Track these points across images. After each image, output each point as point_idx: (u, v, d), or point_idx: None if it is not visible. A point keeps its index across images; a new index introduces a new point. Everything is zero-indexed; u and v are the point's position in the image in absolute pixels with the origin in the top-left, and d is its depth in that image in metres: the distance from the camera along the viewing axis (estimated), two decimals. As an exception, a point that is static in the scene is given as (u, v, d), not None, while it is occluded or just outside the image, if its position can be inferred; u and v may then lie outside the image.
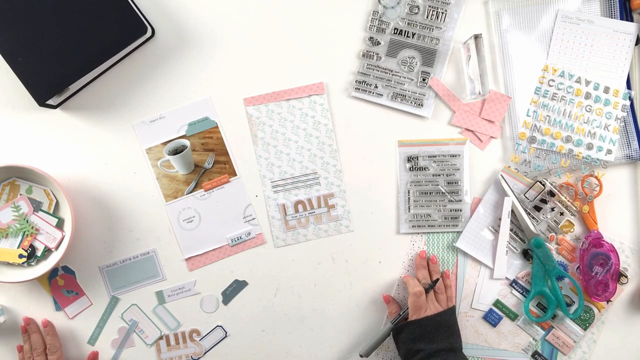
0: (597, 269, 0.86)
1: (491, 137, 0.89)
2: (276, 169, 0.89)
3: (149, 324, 0.90)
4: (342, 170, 0.89)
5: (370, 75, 0.88)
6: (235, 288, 0.90)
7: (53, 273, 0.89)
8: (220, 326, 0.91)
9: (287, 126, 0.89)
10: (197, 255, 0.90)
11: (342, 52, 0.88)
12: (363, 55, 0.88)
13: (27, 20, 0.79)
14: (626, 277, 0.89)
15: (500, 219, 0.87)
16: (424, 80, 0.88)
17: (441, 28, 0.87)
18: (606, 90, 0.87)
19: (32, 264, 0.85)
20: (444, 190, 0.89)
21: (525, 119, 0.87)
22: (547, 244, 0.87)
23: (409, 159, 0.89)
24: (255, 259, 0.90)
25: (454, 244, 0.89)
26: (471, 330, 0.90)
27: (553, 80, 0.87)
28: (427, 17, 0.87)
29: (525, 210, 0.87)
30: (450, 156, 0.89)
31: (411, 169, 0.89)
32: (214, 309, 0.91)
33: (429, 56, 0.88)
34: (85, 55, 0.80)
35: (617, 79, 0.87)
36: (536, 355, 0.90)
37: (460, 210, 0.89)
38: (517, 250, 0.89)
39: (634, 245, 0.89)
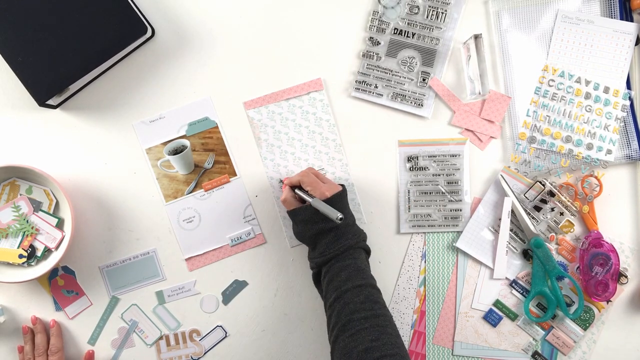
0: (597, 269, 0.86)
1: (491, 137, 0.89)
2: (282, 169, 0.89)
3: (149, 324, 0.90)
4: (348, 164, 0.89)
5: (370, 75, 0.88)
6: (235, 288, 0.90)
7: (53, 273, 0.89)
8: (220, 326, 0.91)
9: (289, 125, 0.89)
10: (197, 255, 0.90)
11: (342, 52, 0.88)
12: (363, 55, 0.88)
13: (27, 20, 0.79)
14: (626, 277, 0.89)
15: (500, 219, 0.87)
16: (424, 80, 0.88)
17: (441, 28, 0.87)
18: (606, 90, 0.87)
19: (32, 264, 0.85)
20: (444, 190, 0.89)
21: (525, 119, 0.87)
22: (547, 244, 0.87)
23: (409, 158, 0.89)
24: (255, 259, 0.90)
25: (454, 244, 0.89)
26: (471, 330, 0.90)
27: (553, 80, 0.87)
28: (427, 17, 0.87)
29: (525, 210, 0.87)
30: (450, 156, 0.89)
31: (411, 168, 0.89)
32: (214, 309, 0.91)
33: (429, 56, 0.88)
34: (85, 55, 0.80)
35: (617, 79, 0.87)
36: (536, 355, 0.90)
37: (460, 210, 0.89)
38: (517, 250, 0.89)
39: (634, 245, 0.89)
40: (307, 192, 0.79)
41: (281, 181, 0.88)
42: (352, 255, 0.75)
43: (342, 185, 0.81)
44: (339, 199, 0.78)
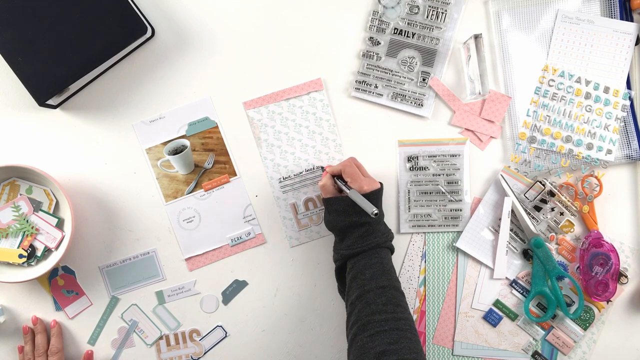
0: (597, 269, 0.86)
1: (491, 137, 0.89)
2: (282, 169, 0.89)
3: (149, 324, 0.90)
4: None
5: (370, 75, 0.88)
6: (235, 288, 0.90)
7: (53, 273, 0.89)
8: (220, 326, 0.91)
9: (289, 125, 0.89)
10: (197, 255, 0.90)
11: (342, 52, 0.88)
12: (363, 55, 0.88)
13: (27, 20, 0.79)
14: (626, 277, 0.89)
15: (500, 219, 0.87)
16: (424, 80, 0.88)
17: (441, 28, 0.87)
18: (606, 90, 0.87)
19: (32, 264, 0.85)
20: (444, 190, 0.89)
21: (525, 119, 0.87)
22: (547, 244, 0.87)
23: (409, 158, 0.89)
24: (255, 259, 0.90)
25: (454, 244, 0.89)
26: (471, 330, 0.90)
27: (553, 80, 0.87)
28: (427, 17, 0.87)
29: (525, 210, 0.87)
30: (450, 156, 0.89)
31: (411, 168, 0.89)
32: (214, 309, 0.91)
33: (429, 56, 0.88)
34: (85, 55, 0.80)
35: (617, 79, 0.87)
36: (536, 355, 0.90)
37: (461, 210, 0.89)
38: (517, 250, 0.89)
39: (634, 245, 0.89)
40: (346, 183, 0.78)
41: (322, 168, 0.89)
42: (378, 255, 0.75)
43: (381, 183, 0.80)
44: (376, 196, 0.77)
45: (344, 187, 0.78)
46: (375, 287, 0.71)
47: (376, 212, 0.70)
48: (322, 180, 0.80)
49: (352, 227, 0.76)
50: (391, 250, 0.79)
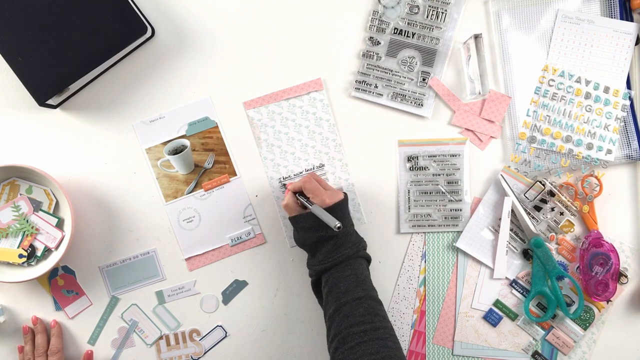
0: (597, 269, 0.86)
1: (491, 137, 0.89)
2: (282, 169, 0.89)
3: (149, 324, 0.90)
4: (348, 164, 0.89)
5: (370, 75, 0.88)
6: (235, 288, 0.90)
7: (53, 273, 0.89)
8: (220, 326, 0.91)
9: (289, 125, 0.89)
10: (197, 255, 0.90)
11: (342, 52, 0.88)
12: (363, 55, 0.88)
13: (27, 20, 0.79)
14: (626, 277, 0.89)
15: (500, 219, 0.87)
16: (424, 80, 0.88)
17: (441, 28, 0.87)
18: (606, 90, 0.87)
19: (32, 263, 0.85)
20: (444, 190, 0.89)
21: (525, 118, 0.87)
22: (547, 244, 0.87)
23: (409, 158, 0.89)
24: (255, 259, 0.90)
25: (454, 244, 0.89)
26: (471, 330, 0.90)
27: (553, 80, 0.87)
28: (427, 17, 0.87)
29: (525, 210, 0.87)
30: (450, 156, 0.89)
31: (411, 168, 0.89)
32: (214, 309, 0.91)
33: (429, 56, 0.88)
34: (85, 55, 0.80)
35: (617, 79, 0.87)
36: (536, 355, 0.90)
37: (460, 210, 0.89)
38: (517, 250, 0.89)
39: (634, 245, 0.89)
40: (308, 198, 0.78)
41: (283, 184, 0.89)
42: (351, 266, 0.75)
43: (345, 193, 0.81)
44: (340, 208, 0.78)
45: (306, 203, 0.77)
46: (351, 299, 0.72)
47: (339, 225, 0.70)
48: (285, 200, 0.80)
49: (321, 242, 0.77)
50: (367, 259, 0.79)
